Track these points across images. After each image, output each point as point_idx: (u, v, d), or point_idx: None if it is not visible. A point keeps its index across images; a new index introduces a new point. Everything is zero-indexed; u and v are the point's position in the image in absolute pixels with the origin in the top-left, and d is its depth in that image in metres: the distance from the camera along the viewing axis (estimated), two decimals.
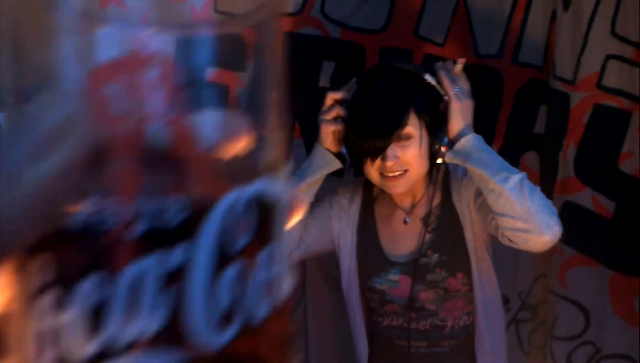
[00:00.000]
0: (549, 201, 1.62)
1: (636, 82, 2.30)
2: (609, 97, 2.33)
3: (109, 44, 0.27)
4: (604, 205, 2.33)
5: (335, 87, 2.58)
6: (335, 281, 2.03)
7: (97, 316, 0.26)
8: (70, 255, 0.26)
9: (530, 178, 2.50)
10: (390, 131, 1.58)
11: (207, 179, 0.29)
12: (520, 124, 2.55)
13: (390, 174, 1.64)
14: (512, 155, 2.57)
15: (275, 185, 0.31)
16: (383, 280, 1.77)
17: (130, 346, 0.26)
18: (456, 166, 1.79)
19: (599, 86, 2.35)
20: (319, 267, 2.69)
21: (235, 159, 0.30)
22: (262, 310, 0.29)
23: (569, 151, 2.38)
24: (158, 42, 0.29)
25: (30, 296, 0.26)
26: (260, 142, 0.32)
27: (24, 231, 0.26)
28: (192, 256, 0.27)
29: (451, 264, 1.73)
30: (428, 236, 1.76)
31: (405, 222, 1.82)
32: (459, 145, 1.62)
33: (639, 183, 2.29)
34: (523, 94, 2.54)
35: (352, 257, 1.81)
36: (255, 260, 0.29)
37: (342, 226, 1.82)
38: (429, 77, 1.68)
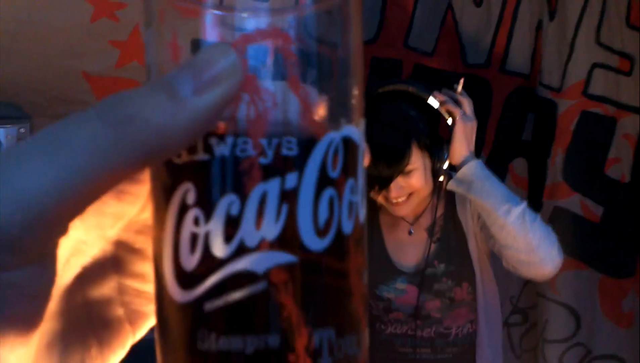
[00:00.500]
0: (549, 230, 1.65)
1: (621, 89, 2.36)
2: (595, 105, 2.39)
3: (243, 22, 0.37)
4: (592, 210, 2.39)
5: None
6: None
7: (233, 225, 0.35)
8: (214, 179, 0.36)
9: (518, 184, 2.60)
10: (393, 170, 1.62)
11: (312, 124, 0.38)
12: (509, 131, 2.60)
13: (395, 201, 1.69)
14: (500, 162, 2.63)
15: (356, 133, 0.40)
16: (390, 288, 1.80)
17: (257, 247, 0.35)
18: None
19: (585, 93, 2.41)
20: None
21: (331, 110, 0.39)
22: (348, 227, 0.38)
23: (557, 157, 2.44)
24: (278, 21, 0.37)
25: (185, 208, 0.36)
26: (348, 99, 0.41)
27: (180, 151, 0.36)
28: (301, 181, 0.36)
29: (458, 274, 1.77)
30: (433, 246, 1.80)
31: (410, 233, 1.85)
32: (461, 173, 1.65)
33: (626, 187, 2.36)
34: (511, 102, 2.59)
35: None
36: (343, 188, 0.38)
37: None
38: (432, 101, 1.71)
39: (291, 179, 0.36)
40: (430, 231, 1.80)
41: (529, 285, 2.50)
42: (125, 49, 2.28)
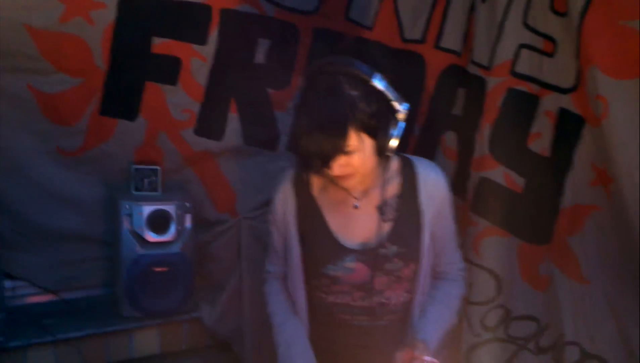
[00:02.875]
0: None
1: (544, 69, 2.50)
2: (520, 83, 2.51)
3: None
4: (515, 181, 2.52)
5: (270, 65, 2.69)
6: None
7: None
8: None
9: (449, 155, 2.72)
10: (333, 146, 1.59)
11: None
12: (441, 105, 2.72)
13: (338, 175, 1.68)
14: (433, 134, 2.76)
15: None
16: (338, 267, 1.76)
17: None
18: (425, 163, 1.85)
19: (512, 72, 2.54)
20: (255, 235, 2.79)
21: None
22: None
23: (484, 131, 2.57)
24: None
25: None
26: None
27: None
28: None
29: (408, 255, 1.77)
30: (386, 226, 1.77)
31: (355, 207, 1.80)
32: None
33: (546, 161, 2.50)
34: (443, 78, 2.72)
35: (296, 246, 1.81)
36: None
37: (286, 219, 1.84)
38: (377, 83, 1.63)
39: None
40: (381, 210, 1.78)
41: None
42: (70, 4, 2.28)
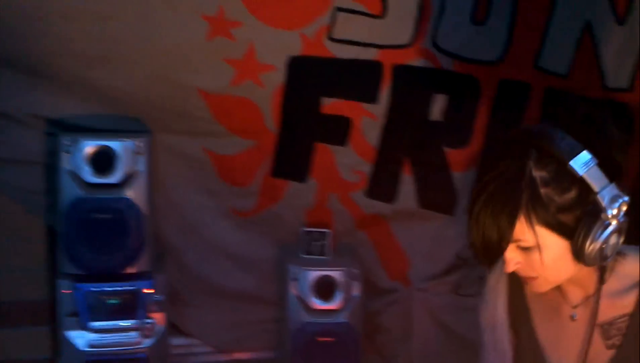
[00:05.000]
0: None
1: None
2: None
3: None
4: None
5: (447, 122, 2.49)
6: None
7: None
8: None
9: None
10: (494, 245, 1.28)
11: None
12: None
13: (521, 274, 1.35)
14: None
15: None
16: None
17: None
18: None
19: None
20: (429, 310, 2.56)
21: None
22: None
23: None
24: None
25: None
26: None
27: None
28: None
29: None
30: (608, 354, 1.37)
31: (572, 318, 1.43)
32: None
33: None
34: None
35: (507, 350, 1.46)
36: None
37: (496, 314, 1.49)
38: (577, 167, 1.22)
39: None
40: (605, 329, 1.37)
41: None
42: (240, 68, 2.31)
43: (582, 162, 1.22)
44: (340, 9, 2.30)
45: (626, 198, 1.24)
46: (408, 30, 2.35)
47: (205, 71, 2.30)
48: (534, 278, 1.33)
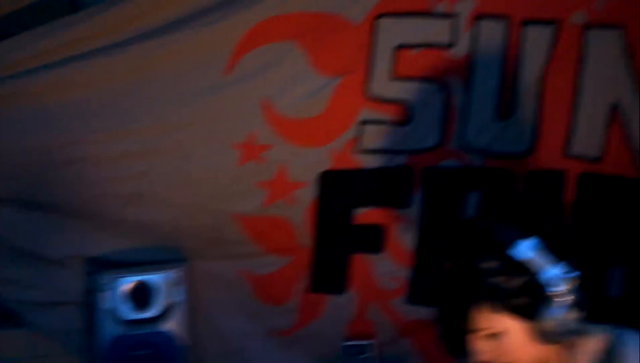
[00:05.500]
0: None
1: None
2: None
3: None
4: None
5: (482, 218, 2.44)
6: None
7: None
8: None
9: None
10: (463, 328, 1.38)
11: None
12: None
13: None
14: None
15: None
16: None
17: None
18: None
19: None
20: None
21: None
22: None
23: None
24: None
25: None
26: None
27: None
28: None
29: None
30: None
31: None
32: None
33: None
34: None
35: None
36: None
37: None
38: (520, 252, 1.34)
39: None
40: None
41: None
42: (272, 189, 2.32)
43: (524, 248, 1.33)
44: (365, 122, 2.32)
45: (575, 274, 1.34)
46: (435, 133, 2.36)
47: (237, 196, 2.32)
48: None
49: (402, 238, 2.44)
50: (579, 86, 2.34)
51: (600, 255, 2.37)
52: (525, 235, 1.35)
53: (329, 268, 2.46)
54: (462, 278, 1.38)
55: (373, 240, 2.44)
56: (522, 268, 1.33)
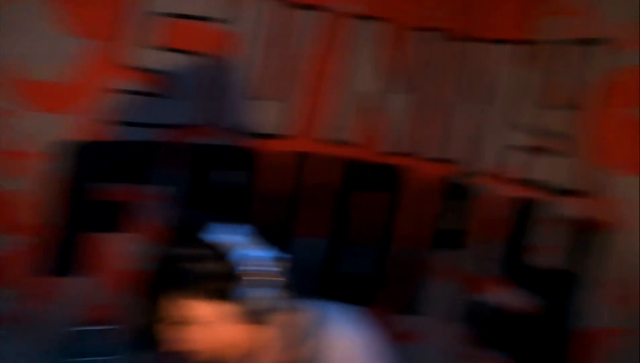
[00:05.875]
0: None
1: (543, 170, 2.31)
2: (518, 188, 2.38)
3: None
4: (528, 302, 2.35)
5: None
6: None
7: None
8: None
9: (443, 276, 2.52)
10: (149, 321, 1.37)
11: None
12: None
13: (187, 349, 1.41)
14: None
15: None
16: None
17: None
18: (341, 318, 1.45)
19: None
20: None
21: None
22: None
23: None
24: None
25: None
26: None
27: None
28: None
29: None
30: None
31: None
32: None
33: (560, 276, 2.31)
34: None
35: None
36: None
37: None
38: (207, 236, 1.36)
39: None
40: None
41: None
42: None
43: (215, 231, 1.34)
44: (119, 91, 2.16)
45: (283, 256, 1.36)
46: (194, 108, 2.29)
47: None
48: (198, 352, 1.36)
49: (148, 217, 2.29)
50: (336, 72, 2.45)
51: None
52: (230, 220, 1.35)
53: (61, 249, 2.23)
54: (155, 267, 1.34)
55: (109, 217, 2.27)
56: (212, 252, 1.32)
